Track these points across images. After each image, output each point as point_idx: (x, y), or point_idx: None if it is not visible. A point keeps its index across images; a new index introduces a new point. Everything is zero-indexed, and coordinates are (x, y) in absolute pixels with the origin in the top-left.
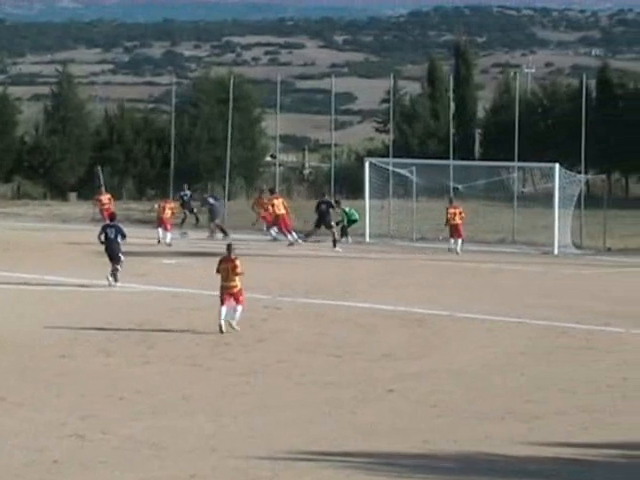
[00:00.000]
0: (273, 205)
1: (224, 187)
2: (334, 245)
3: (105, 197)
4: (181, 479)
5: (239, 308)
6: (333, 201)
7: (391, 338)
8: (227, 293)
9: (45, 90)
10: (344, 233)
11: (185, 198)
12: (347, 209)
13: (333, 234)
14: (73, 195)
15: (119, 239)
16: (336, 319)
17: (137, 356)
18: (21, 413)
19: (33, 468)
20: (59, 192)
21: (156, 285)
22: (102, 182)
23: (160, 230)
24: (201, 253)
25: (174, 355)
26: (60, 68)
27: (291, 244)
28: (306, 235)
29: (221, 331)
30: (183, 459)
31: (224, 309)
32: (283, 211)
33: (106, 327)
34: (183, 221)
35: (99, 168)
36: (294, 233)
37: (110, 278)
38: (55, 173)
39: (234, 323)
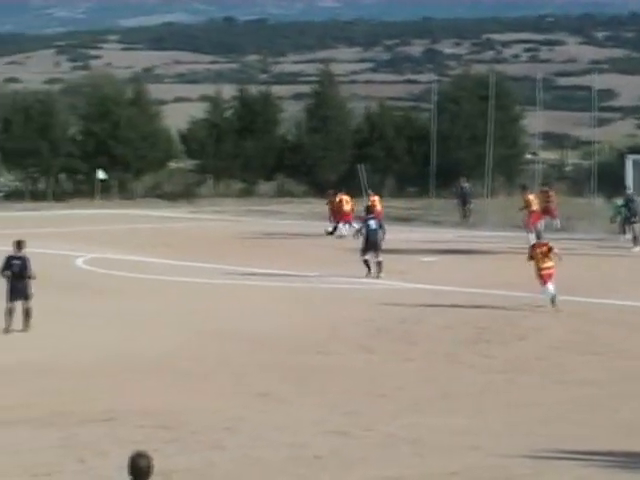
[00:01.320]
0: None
1: (485, 185)
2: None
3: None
4: (442, 476)
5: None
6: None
7: None
8: (546, 274)
9: (306, 89)
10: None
11: (465, 190)
12: (619, 202)
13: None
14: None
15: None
16: (596, 317)
17: (398, 353)
18: (284, 409)
19: (296, 463)
20: (320, 190)
21: (415, 282)
22: (364, 180)
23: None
24: (459, 250)
25: (434, 352)
26: (321, 67)
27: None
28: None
29: (552, 303)
30: (444, 456)
31: (550, 286)
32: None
33: (366, 324)
34: (465, 215)
35: (361, 166)
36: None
37: (379, 273)
38: (316, 171)
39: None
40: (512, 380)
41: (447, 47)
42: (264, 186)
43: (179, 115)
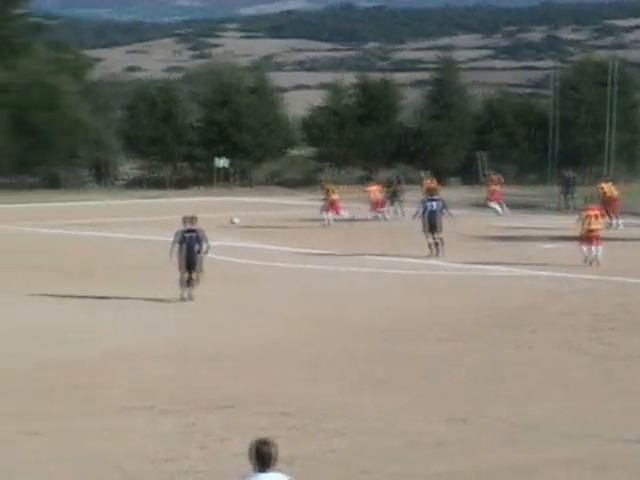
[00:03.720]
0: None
1: (605, 171)
2: None
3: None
4: (563, 463)
5: (600, 248)
6: None
7: None
8: (592, 236)
9: (426, 76)
10: None
11: (569, 180)
12: None
13: None
14: (453, 180)
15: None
16: None
17: (516, 340)
18: (403, 396)
19: (415, 450)
20: (440, 177)
21: (535, 269)
22: (484, 167)
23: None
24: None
25: (553, 339)
26: (441, 54)
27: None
28: None
29: (589, 264)
30: (563, 443)
31: (593, 249)
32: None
33: (485, 311)
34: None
35: (480, 153)
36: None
37: (439, 253)
38: (436, 158)
39: (599, 258)
40: (632, 367)
41: (567, 33)
42: (384, 173)
43: (299, 103)
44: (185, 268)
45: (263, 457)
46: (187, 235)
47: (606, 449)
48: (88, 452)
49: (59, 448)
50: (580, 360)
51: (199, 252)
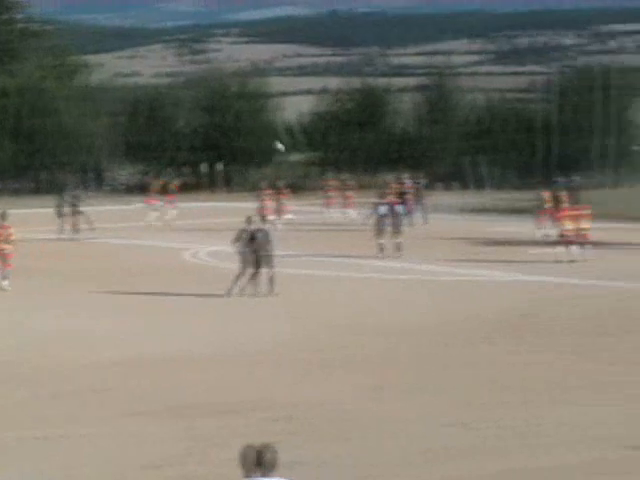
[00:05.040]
0: None
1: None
2: None
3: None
4: (558, 469)
5: (577, 248)
6: None
7: None
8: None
9: (424, 81)
10: None
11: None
12: None
13: None
14: (441, 184)
15: None
16: None
17: (520, 344)
18: (409, 401)
19: (422, 456)
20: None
21: (535, 275)
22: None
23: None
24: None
25: (556, 344)
26: (438, 59)
27: None
28: None
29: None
30: (567, 448)
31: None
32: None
33: (487, 317)
34: None
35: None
36: None
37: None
38: (431, 163)
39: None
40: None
41: (565, 38)
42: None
43: (300, 107)
44: None
45: (264, 463)
46: None
47: (613, 454)
48: (90, 458)
49: (64, 454)
50: (581, 367)
51: None
